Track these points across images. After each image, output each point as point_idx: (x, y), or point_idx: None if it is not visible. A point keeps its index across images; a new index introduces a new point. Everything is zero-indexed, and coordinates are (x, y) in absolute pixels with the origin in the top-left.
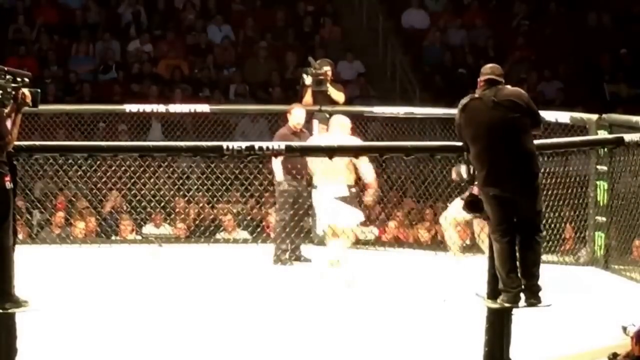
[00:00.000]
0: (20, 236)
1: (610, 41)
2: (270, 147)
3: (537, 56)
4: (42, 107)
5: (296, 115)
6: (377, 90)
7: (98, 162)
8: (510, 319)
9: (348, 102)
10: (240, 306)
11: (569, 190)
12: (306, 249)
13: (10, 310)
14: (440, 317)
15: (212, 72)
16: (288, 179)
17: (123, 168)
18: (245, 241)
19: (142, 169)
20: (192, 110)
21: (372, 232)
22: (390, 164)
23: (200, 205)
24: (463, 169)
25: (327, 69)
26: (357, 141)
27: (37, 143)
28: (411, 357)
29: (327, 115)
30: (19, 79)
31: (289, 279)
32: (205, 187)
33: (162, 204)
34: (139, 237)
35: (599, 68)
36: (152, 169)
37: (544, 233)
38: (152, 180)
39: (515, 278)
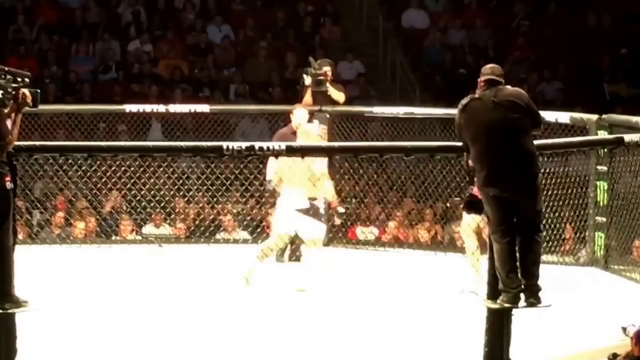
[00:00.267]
0: (20, 236)
1: (610, 41)
2: (271, 147)
3: (537, 56)
4: (42, 107)
5: (298, 116)
6: (377, 91)
7: (98, 162)
8: (510, 319)
9: (348, 102)
10: (240, 306)
11: (569, 191)
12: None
13: (10, 311)
14: (440, 317)
15: (212, 72)
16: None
17: (123, 168)
18: (245, 241)
19: (142, 169)
20: (192, 111)
21: (372, 232)
22: (390, 164)
23: (200, 205)
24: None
25: (327, 69)
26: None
27: (37, 143)
28: (411, 357)
29: (328, 116)
30: (19, 79)
31: (288, 279)
32: (205, 187)
33: (162, 204)
34: (139, 237)
35: (598, 68)
36: (152, 169)
37: (544, 233)
38: (152, 180)
39: (515, 278)
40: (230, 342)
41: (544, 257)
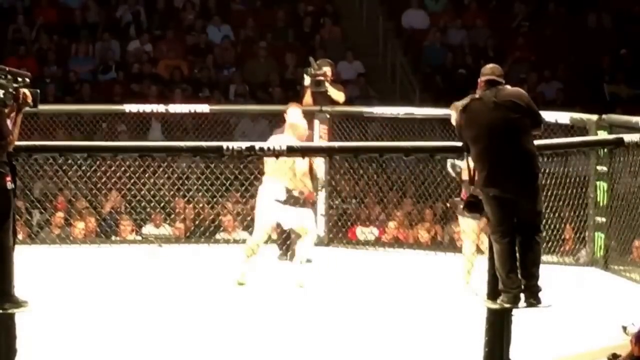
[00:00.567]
0: (19, 236)
1: (610, 42)
2: (271, 148)
3: (537, 57)
4: (41, 107)
5: (292, 115)
6: (377, 91)
7: (98, 162)
8: (510, 320)
9: (348, 102)
10: (239, 306)
11: (569, 191)
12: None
13: (9, 311)
14: (440, 317)
15: (212, 72)
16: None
17: (123, 168)
18: (245, 241)
19: (142, 169)
20: (192, 111)
21: (371, 232)
22: (390, 164)
23: (200, 205)
24: (457, 161)
25: (327, 69)
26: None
27: (37, 143)
28: (411, 358)
29: (328, 116)
30: (19, 79)
31: (288, 278)
32: (205, 188)
33: (162, 204)
34: (138, 238)
35: (598, 68)
36: (152, 169)
37: (544, 233)
38: (152, 180)
39: (515, 278)
40: (230, 342)
41: (543, 258)
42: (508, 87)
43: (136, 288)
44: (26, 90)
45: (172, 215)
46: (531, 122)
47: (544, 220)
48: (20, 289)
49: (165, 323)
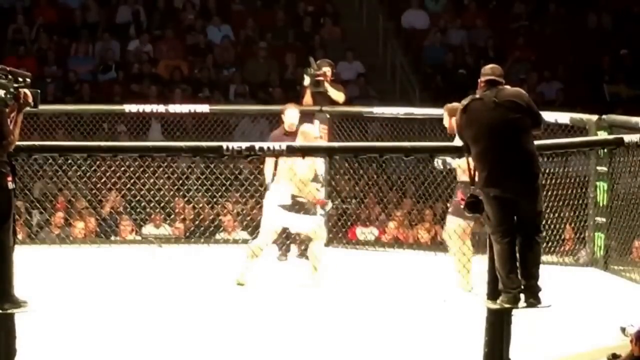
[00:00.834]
0: (19, 236)
1: (610, 42)
2: (271, 148)
3: (537, 57)
4: (41, 107)
5: (289, 115)
6: (377, 91)
7: (97, 163)
8: (510, 320)
9: (348, 102)
10: (239, 307)
11: (569, 191)
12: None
13: (9, 311)
14: (440, 317)
15: (212, 72)
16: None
17: (123, 168)
18: (245, 242)
19: (141, 169)
20: (192, 111)
21: (371, 232)
22: (390, 165)
23: (200, 205)
24: (447, 158)
25: (327, 69)
26: None
27: (37, 143)
28: (411, 358)
29: (328, 116)
30: (20, 79)
31: (289, 279)
32: (205, 188)
33: (162, 205)
34: (138, 238)
35: (599, 69)
36: (151, 169)
37: (544, 234)
38: (151, 180)
39: (515, 279)
40: (229, 343)
41: (543, 258)
42: (508, 87)
43: (136, 288)
44: (27, 91)
45: (172, 216)
46: (531, 122)
47: (544, 221)
48: (20, 289)
49: (164, 323)
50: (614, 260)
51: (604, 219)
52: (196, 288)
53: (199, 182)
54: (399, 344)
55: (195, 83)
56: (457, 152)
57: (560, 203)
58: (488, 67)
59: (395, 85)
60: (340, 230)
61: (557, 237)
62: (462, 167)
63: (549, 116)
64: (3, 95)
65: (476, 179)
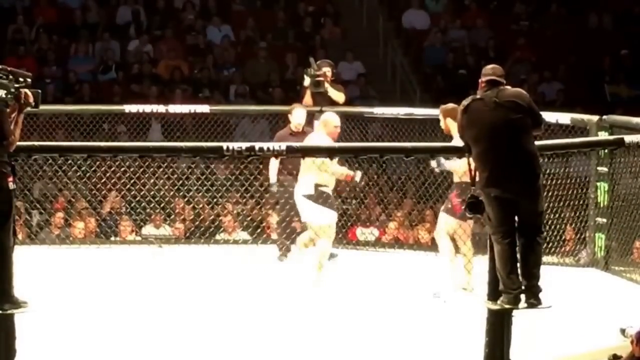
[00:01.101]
0: (19, 237)
1: (611, 42)
2: (271, 148)
3: (538, 57)
4: (41, 107)
5: (296, 115)
6: (377, 91)
7: (97, 163)
8: (511, 321)
9: (348, 102)
10: (240, 307)
11: (570, 192)
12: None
13: (9, 311)
14: (441, 318)
15: (212, 72)
16: (280, 181)
17: (123, 169)
18: (245, 242)
19: (141, 169)
20: (192, 111)
21: (372, 233)
22: (390, 165)
23: (200, 205)
24: (441, 159)
25: (327, 69)
26: (328, 140)
27: (36, 143)
28: (411, 358)
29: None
30: (21, 79)
31: (289, 279)
32: (205, 188)
33: (162, 205)
34: (138, 238)
35: (599, 69)
36: (151, 169)
37: (545, 234)
38: (151, 181)
39: (515, 279)
40: (230, 343)
41: (544, 258)
42: (509, 87)
43: (136, 288)
44: (28, 91)
45: (172, 216)
46: (532, 122)
47: (545, 221)
48: (20, 289)
49: (165, 323)
50: (614, 260)
51: (604, 220)
52: (196, 288)
53: (199, 182)
54: (399, 344)
55: (196, 83)
56: (457, 152)
57: (561, 203)
58: (489, 68)
59: (395, 86)
60: (340, 231)
61: (558, 237)
62: (459, 173)
63: (549, 116)
64: (4, 96)
65: (477, 179)
